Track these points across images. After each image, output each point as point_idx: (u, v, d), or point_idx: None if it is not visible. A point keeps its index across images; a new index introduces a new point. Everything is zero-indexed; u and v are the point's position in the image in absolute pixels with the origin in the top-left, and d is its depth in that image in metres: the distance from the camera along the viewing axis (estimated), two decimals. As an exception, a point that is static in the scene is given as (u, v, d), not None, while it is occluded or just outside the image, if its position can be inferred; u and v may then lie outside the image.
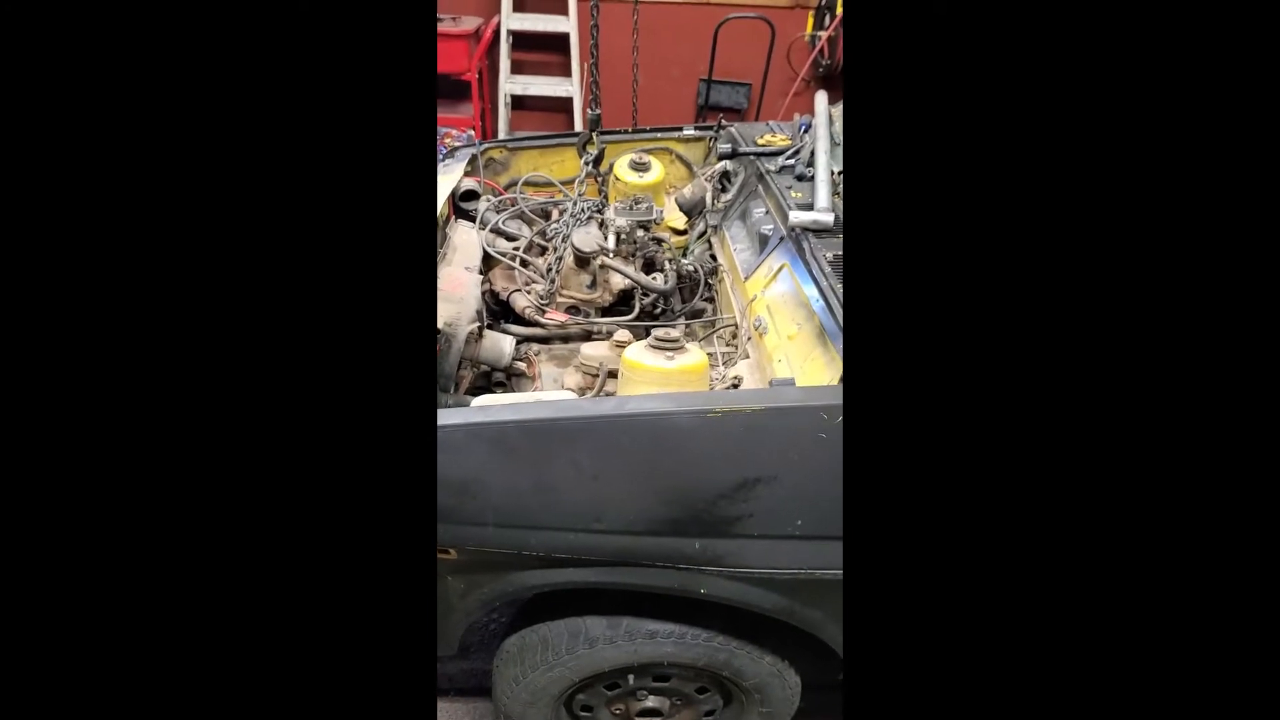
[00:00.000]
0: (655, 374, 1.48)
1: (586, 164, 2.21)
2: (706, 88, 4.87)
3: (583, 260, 2.09)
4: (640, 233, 2.22)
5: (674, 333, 1.54)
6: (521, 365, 2.13)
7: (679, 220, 2.65)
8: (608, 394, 1.90)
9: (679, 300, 2.28)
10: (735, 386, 1.72)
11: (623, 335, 1.91)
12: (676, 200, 2.54)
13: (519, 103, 5.09)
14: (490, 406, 1.29)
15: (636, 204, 2.23)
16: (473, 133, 4.77)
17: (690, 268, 2.34)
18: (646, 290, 2.11)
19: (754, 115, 4.98)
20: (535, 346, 2.17)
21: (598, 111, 2.08)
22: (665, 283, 2.15)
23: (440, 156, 2.78)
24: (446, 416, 1.28)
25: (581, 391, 1.95)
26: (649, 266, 2.30)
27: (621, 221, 2.17)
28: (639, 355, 1.52)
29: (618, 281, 2.14)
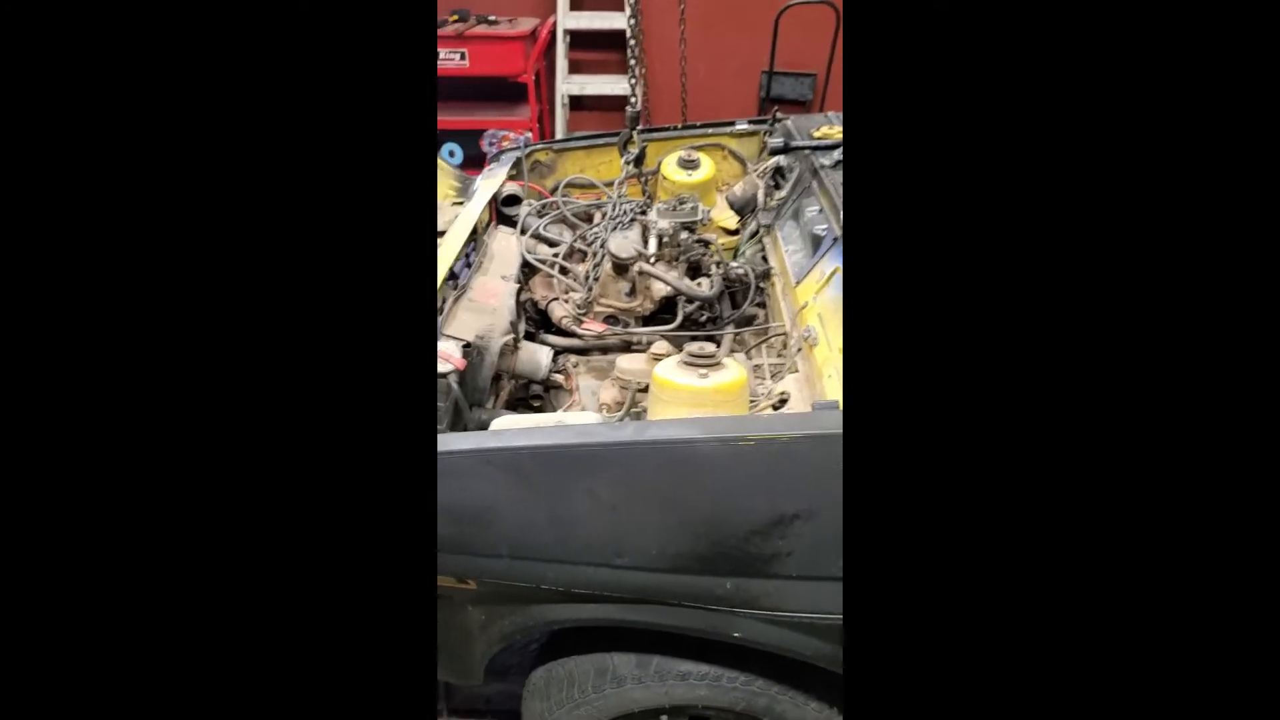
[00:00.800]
0: (687, 394, 1.36)
1: (627, 164, 2.10)
2: (768, 79, 4.68)
3: (621, 267, 1.98)
4: (684, 235, 2.09)
5: (709, 347, 1.42)
6: (559, 378, 2.04)
7: (730, 220, 2.51)
8: (637, 414, 1.79)
9: (727, 306, 2.14)
10: (780, 406, 1.58)
11: (660, 347, 1.79)
12: (727, 199, 2.40)
13: (577, 103, 5.03)
14: (504, 431, 1.20)
15: (680, 204, 2.11)
16: (530, 135, 4.73)
17: (739, 271, 2.20)
18: (689, 298, 1.99)
19: (819, 107, 4.77)
20: (574, 358, 2.07)
21: (637, 108, 1.96)
22: (710, 288, 2.02)
23: (487, 159, 2.72)
24: (456, 442, 1.20)
25: (616, 406, 1.84)
26: (694, 271, 2.17)
27: (663, 224, 2.05)
28: (670, 373, 1.40)
29: (659, 289, 2.03)
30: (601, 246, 2.03)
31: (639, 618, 1.27)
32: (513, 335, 1.89)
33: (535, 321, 2.23)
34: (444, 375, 1.62)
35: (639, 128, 2.05)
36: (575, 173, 2.79)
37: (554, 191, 2.72)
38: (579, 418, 1.35)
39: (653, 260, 2.00)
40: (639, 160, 2.08)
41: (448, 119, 4.67)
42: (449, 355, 1.63)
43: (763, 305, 2.23)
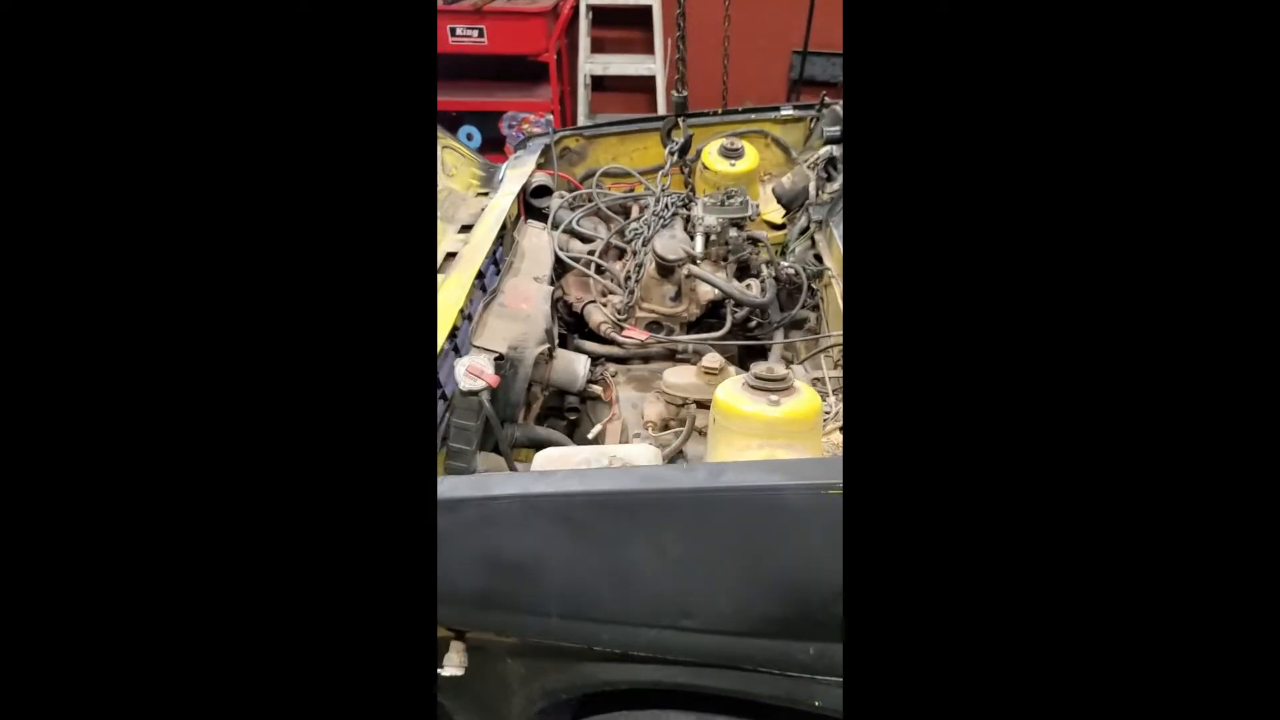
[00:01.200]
0: (758, 424, 1.20)
1: (671, 153, 1.92)
2: (801, 60, 4.47)
3: (666, 269, 1.81)
4: (733, 232, 1.92)
5: (779, 369, 1.25)
6: (597, 389, 1.87)
7: (776, 213, 2.33)
8: (697, 430, 1.62)
9: (776, 310, 1.97)
10: (852, 428, 1.41)
11: (712, 360, 1.62)
12: (774, 191, 2.22)
13: (599, 83, 4.82)
14: (553, 473, 1.04)
15: (729, 198, 1.93)
16: (551, 118, 4.53)
17: (790, 270, 2.03)
18: (741, 303, 1.81)
19: (853, 88, 4.54)
20: (613, 367, 1.91)
21: (684, 94, 1.78)
22: (763, 293, 1.85)
23: (513, 145, 2.55)
24: (498, 485, 1.04)
25: (661, 424, 1.68)
26: (743, 271, 2.00)
27: (711, 220, 1.88)
28: (736, 398, 1.23)
29: (706, 292, 1.85)
30: (643, 245, 1.86)
31: (705, 682, 1.12)
32: (548, 345, 1.73)
33: (568, 324, 2.07)
34: (475, 393, 1.47)
35: (685, 111, 1.87)
36: (607, 161, 2.61)
37: (585, 181, 2.54)
38: (633, 452, 1.19)
39: (700, 261, 1.83)
40: (684, 150, 1.90)
41: (465, 99, 4.48)
42: (480, 371, 1.47)
43: (815, 308, 2.05)
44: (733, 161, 2.30)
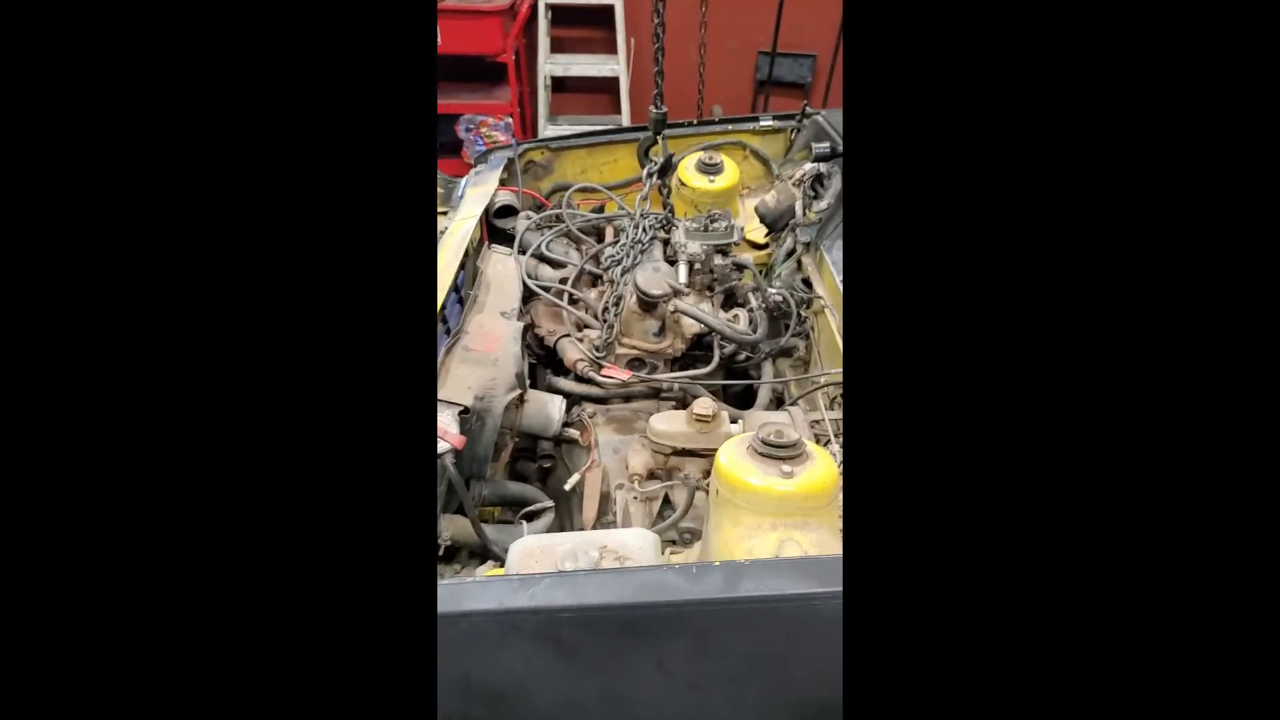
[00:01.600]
0: (770, 500, 1.04)
1: (651, 175, 1.75)
2: (770, 61, 4.34)
3: (649, 303, 1.64)
4: (718, 259, 1.76)
5: (790, 432, 1.10)
6: (574, 433, 1.70)
7: (758, 231, 2.18)
8: (691, 481, 1.46)
9: (765, 339, 1.82)
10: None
11: (704, 406, 1.46)
12: (758, 210, 2.07)
13: (560, 84, 4.62)
14: (535, 579, 0.87)
15: (712, 222, 1.77)
16: (510, 120, 4.33)
17: (778, 297, 1.88)
18: (730, 340, 1.66)
19: (822, 91, 4.43)
20: (590, 407, 1.74)
21: (663, 110, 1.61)
22: (754, 329, 1.69)
23: (472, 159, 2.35)
24: (472, 598, 0.87)
25: (647, 475, 1.51)
26: (729, 300, 1.84)
27: (695, 247, 1.72)
28: (742, 467, 1.07)
29: (691, 325, 1.69)
30: (622, 274, 1.69)
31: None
32: (519, 391, 1.55)
33: (540, 356, 1.89)
34: (439, 456, 1.28)
35: (664, 128, 1.70)
36: (575, 174, 2.43)
37: (553, 197, 2.36)
38: (627, 541, 1.02)
39: (687, 291, 1.66)
40: (664, 170, 1.74)
41: (419, 103, 4.24)
42: (444, 432, 1.28)
43: (805, 336, 1.91)
44: (712, 178, 2.15)
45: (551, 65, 4.41)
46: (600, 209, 2.32)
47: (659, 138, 1.71)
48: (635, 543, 1.02)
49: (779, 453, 1.08)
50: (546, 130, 4.55)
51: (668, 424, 1.49)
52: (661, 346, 1.68)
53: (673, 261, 1.80)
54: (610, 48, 4.41)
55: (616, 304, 1.66)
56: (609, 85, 4.51)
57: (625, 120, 4.41)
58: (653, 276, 1.62)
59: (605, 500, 1.62)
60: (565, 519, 1.71)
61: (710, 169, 2.15)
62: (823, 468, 1.08)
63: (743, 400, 1.85)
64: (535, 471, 1.72)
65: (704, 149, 2.31)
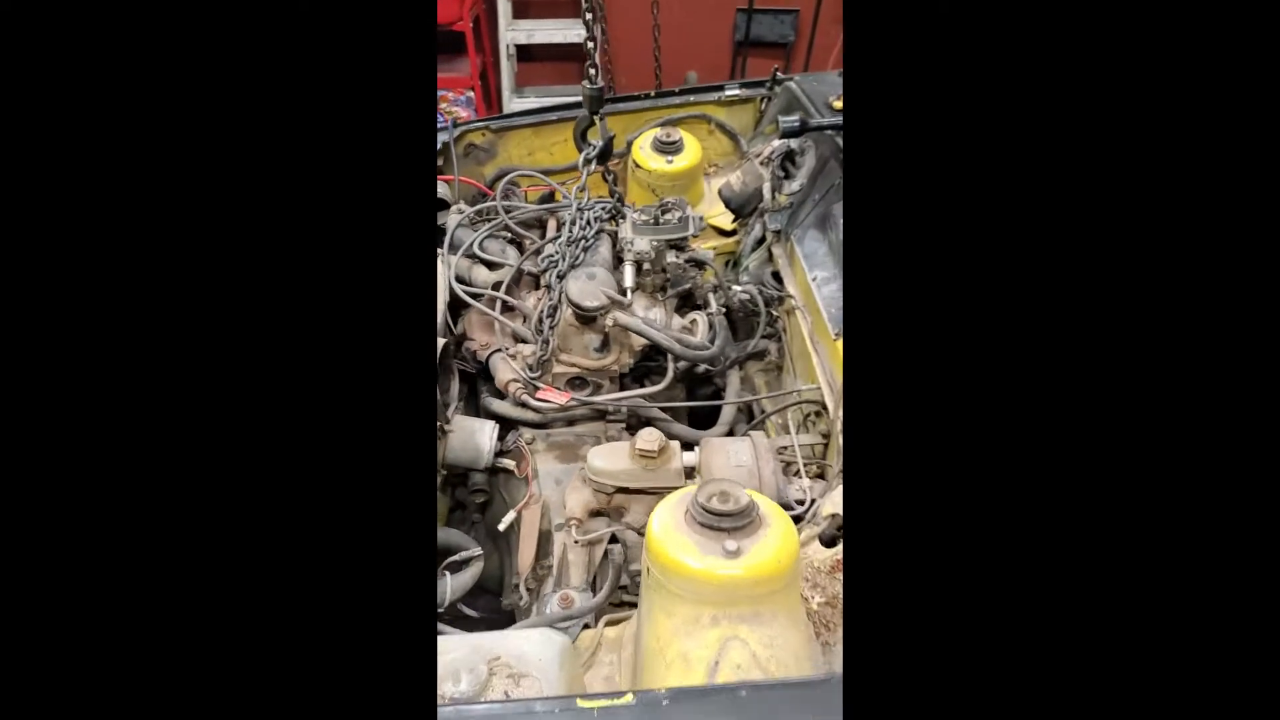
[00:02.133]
0: (711, 587, 0.83)
1: (589, 160, 1.51)
2: (747, 19, 4.04)
3: (585, 318, 1.41)
4: (671, 257, 1.53)
5: (738, 493, 0.88)
6: (509, 463, 1.49)
7: (724, 217, 1.95)
8: (624, 527, 1.25)
9: (730, 343, 1.60)
10: (833, 542, 1.06)
11: (648, 440, 1.25)
12: (722, 193, 1.83)
13: (525, 53, 4.33)
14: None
15: (664, 213, 1.54)
16: (472, 95, 4.05)
17: (744, 295, 1.65)
18: (681, 358, 1.43)
19: (804, 53, 4.14)
20: (528, 432, 1.52)
21: (599, 85, 1.37)
22: (712, 338, 1.47)
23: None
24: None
25: (588, 515, 1.30)
26: (686, 301, 1.61)
27: (642, 244, 1.48)
28: (676, 541, 0.86)
29: (639, 338, 1.46)
30: (558, 279, 1.46)
31: None
32: (439, 421, 1.33)
33: (474, 372, 1.67)
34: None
35: (603, 106, 1.46)
36: (521, 157, 2.19)
37: (497, 183, 2.12)
38: (526, 653, 0.80)
39: (629, 301, 1.43)
40: (604, 155, 1.50)
41: (373, 78, 3.95)
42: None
43: (776, 339, 1.69)
44: (670, 158, 1.90)
45: (514, 32, 4.12)
46: (549, 196, 2.08)
47: (596, 117, 1.47)
48: (536, 653, 0.80)
49: (723, 522, 0.87)
50: (512, 104, 4.26)
51: (608, 460, 1.27)
52: (605, 363, 1.46)
53: (621, 260, 1.57)
54: (577, 11, 4.11)
55: (551, 315, 1.43)
56: (578, 52, 4.22)
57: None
58: (587, 286, 1.39)
59: (546, 539, 1.42)
60: (505, 556, 1.50)
61: (668, 148, 1.90)
62: (777, 541, 0.87)
63: (708, 415, 1.63)
64: (473, 508, 1.51)
65: (662, 125, 2.07)
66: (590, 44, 1.39)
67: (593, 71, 1.40)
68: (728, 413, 1.51)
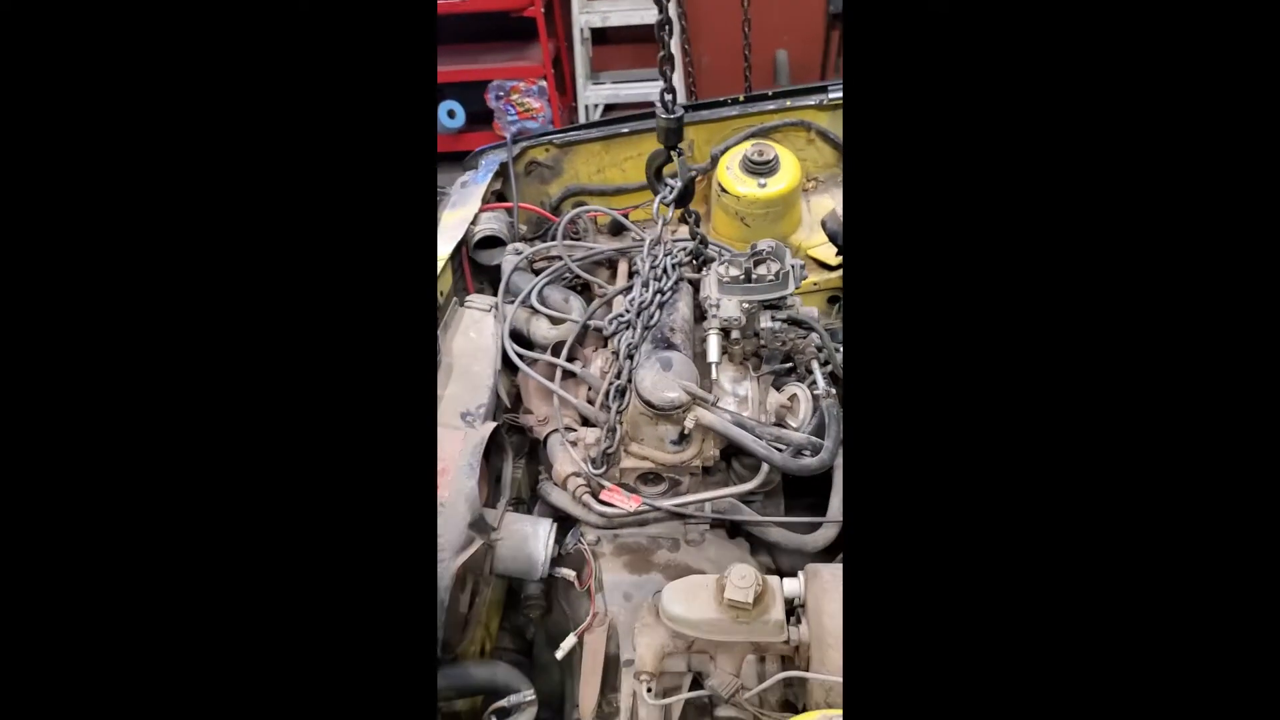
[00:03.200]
0: None
1: (666, 203, 1.23)
2: (843, -9, 3.60)
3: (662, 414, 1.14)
4: (765, 321, 1.23)
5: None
6: (568, 573, 1.25)
7: (826, 248, 1.63)
8: (721, 691, 0.99)
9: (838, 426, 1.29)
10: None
11: (742, 581, 0.97)
12: (827, 226, 1.51)
13: (600, 36, 4.03)
14: None
15: (757, 263, 1.24)
16: (545, 84, 3.79)
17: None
18: (772, 465, 1.13)
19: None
20: (592, 532, 1.27)
21: (676, 114, 1.09)
22: (816, 425, 1.17)
23: (505, 132, 1.86)
24: None
25: (658, 675, 1.04)
26: (787, 362, 1.31)
27: (731, 309, 1.20)
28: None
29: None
30: (628, 353, 1.19)
31: None
32: (479, 542, 1.10)
33: (520, 446, 1.43)
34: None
35: (680, 140, 1.17)
36: (590, 175, 1.92)
37: (561, 208, 1.86)
38: None
39: (714, 399, 1.14)
40: (684, 198, 1.21)
41: (442, 69, 3.75)
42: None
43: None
44: (762, 180, 1.59)
45: (588, 15, 3.82)
46: (625, 216, 1.80)
47: (673, 152, 1.18)
48: None
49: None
50: (587, 92, 3.98)
51: (689, 605, 1.01)
52: (684, 458, 1.18)
53: (703, 316, 1.29)
54: (654, -11, 3.77)
55: (619, 397, 1.16)
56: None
57: (680, 76, 3.79)
58: (661, 378, 1.11)
59: (613, 668, 1.18)
60: (567, 677, 1.27)
61: (760, 168, 1.59)
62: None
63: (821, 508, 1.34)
64: (525, 626, 1.28)
65: (753, 137, 1.75)
66: (667, 66, 1.10)
67: (669, 98, 1.11)
68: (839, 511, 1.22)
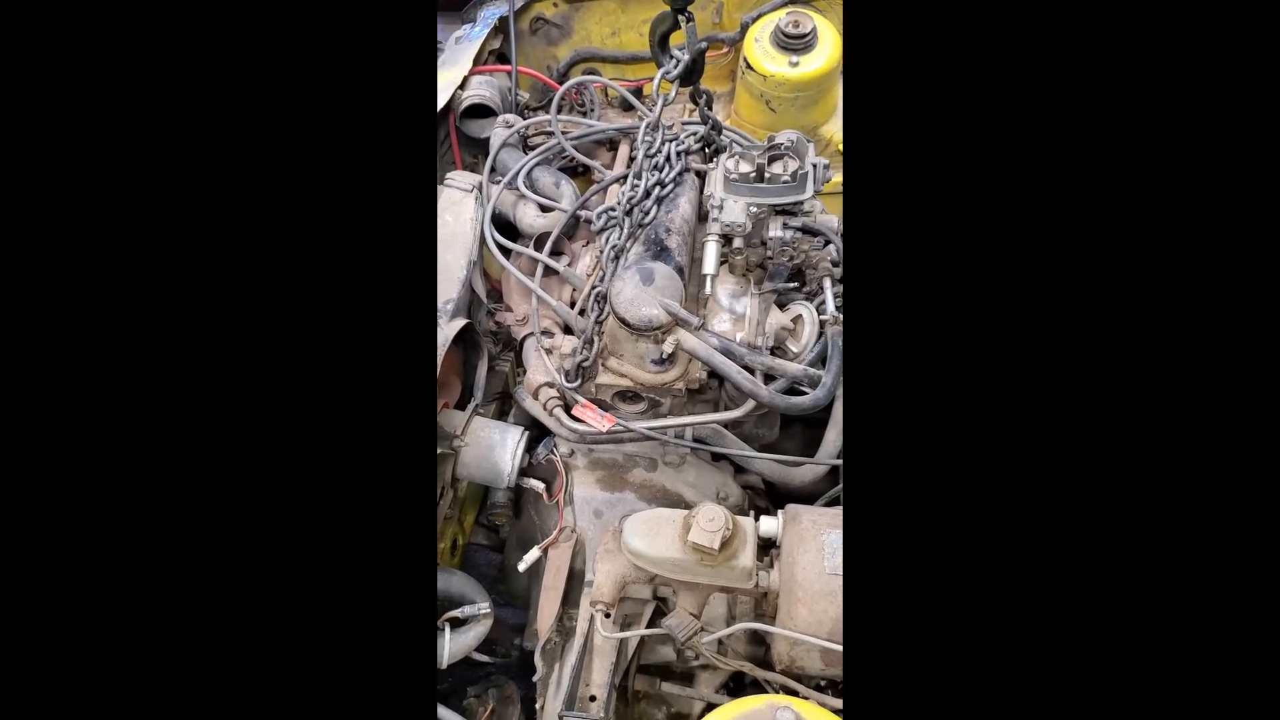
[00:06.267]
0: None
1: (670, 79, 1.05)
2: None
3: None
4: (775, 230, 1.08)
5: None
6: (537, 484, 1.17)
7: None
8: (680, 631, 0.92)
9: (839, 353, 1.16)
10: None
11: (709, 521, 0.88)
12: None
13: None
14: None
15: (773, 153, 1.07)
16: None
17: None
18: (760, 401, 1.00)
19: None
20: (565, 444, 1.18)
21: (686, -30, 0.89)
22: (817, 355, 1.04)
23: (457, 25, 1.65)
24: None
25: (613, 606, 0.98)
26: (796, 278, 1.16)
27: (735, 212, 1.04)
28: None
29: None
30: (614, 256, 1.05)
31: None
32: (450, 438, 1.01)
33: (498, 334, 1.33)
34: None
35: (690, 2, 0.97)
36: (603, 38, 1.69)
37: (568, 75, 1.66)
38: None
39: (698, 323, 1.00)
40: (689, 74, 1.03)
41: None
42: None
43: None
44: (795, 58, 1.38)
45: None
46: (637, 93, 1.60)
47: (681, 16, 0.99)
48: None
49: None
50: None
51: (651, 541, 0.92)
52: (667, 379, 1.07)
53: (707, 215, 1.13)
54: None
55: (600, 306, 1.04)
56: None
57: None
58: (640, 292, 0.97)
59: (577, 584, 1.12)
60: (533, 582, 1.23)
61: (794, 43, 1.37)
62: None
63: (809, 443, 1.23)
64: (489, 541, 1.23)
65: (792, 2, 1.51)
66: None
67: (679, -53, 0.91)
68: (833, 446, 1.11)
